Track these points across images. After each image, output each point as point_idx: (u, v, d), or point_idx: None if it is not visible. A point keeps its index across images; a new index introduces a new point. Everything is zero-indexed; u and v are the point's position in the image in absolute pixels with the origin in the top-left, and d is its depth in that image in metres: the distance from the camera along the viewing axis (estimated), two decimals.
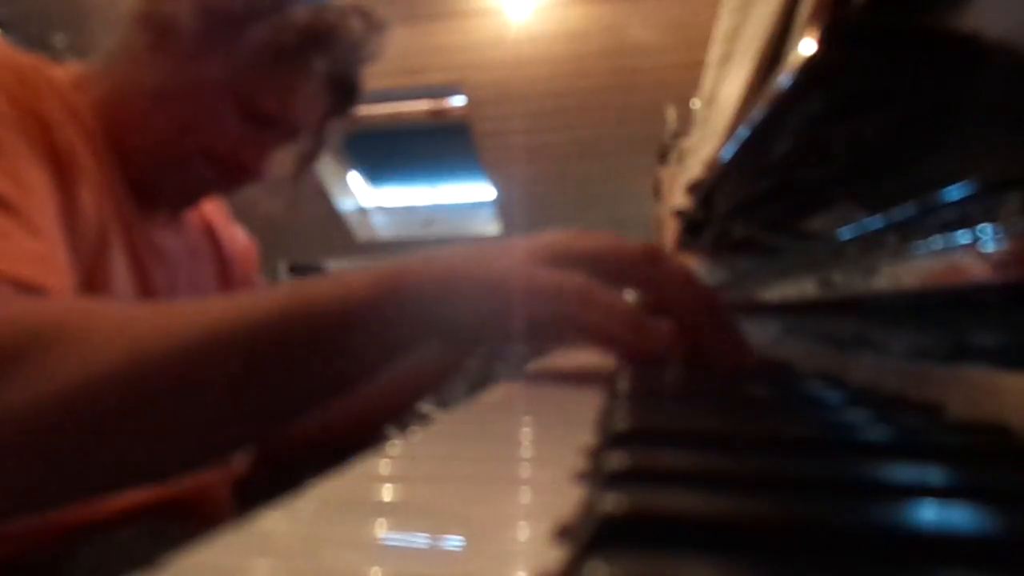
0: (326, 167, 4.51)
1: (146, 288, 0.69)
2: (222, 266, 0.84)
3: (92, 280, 0.62)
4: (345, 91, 0.74)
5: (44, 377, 0.40)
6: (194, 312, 0.43)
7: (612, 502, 0.16)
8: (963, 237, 0.32)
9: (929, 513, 0.17)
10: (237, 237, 0.88)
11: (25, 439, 0.40)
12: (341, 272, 0.46)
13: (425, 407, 0.77)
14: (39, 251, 0.52)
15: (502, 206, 4.68)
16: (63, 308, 0.45)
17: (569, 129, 4.17)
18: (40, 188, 0.56)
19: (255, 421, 0.45)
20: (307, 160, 0.79)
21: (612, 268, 0.44)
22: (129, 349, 0.40)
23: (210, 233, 0.84)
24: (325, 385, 0.45)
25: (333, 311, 0.42)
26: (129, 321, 0.43)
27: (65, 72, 0.68)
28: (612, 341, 0.43)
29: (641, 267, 0.45)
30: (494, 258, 0.45)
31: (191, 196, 0.76)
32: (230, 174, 0.72)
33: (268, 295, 0.44)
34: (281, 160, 0.76)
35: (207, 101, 0.68)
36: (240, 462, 0.77)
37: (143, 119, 0.68)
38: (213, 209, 0.87)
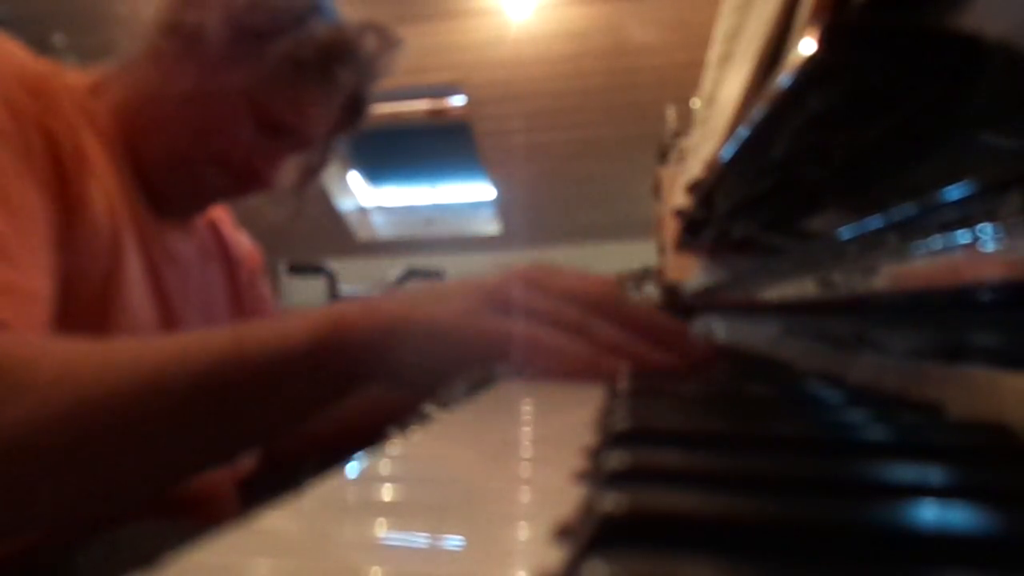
0: (318, 177, 4.51)
1: (159, 290, 0.71)
2: (230, 269, 0.85)
3: (107, 282, 0.63)
4: (355, 106, 0.76)
5: None
6: (136, 355, 0.44)
7: (612, 502, 0.16)
8: (963, 237, 0.32)
9: (929, 513, 0.17)
10: (243, 243, 0.90)
11: None
12: (281, 318, 0.49)
13: (425, 407, 0.77)
14: (10, 282, 0.51)
15: (502, 206, 4.67)
16: (6, 346, 0.45)
17: (569, 129, 4.17)
18: (31, 206, 0.56)
19: (196, 458, 0.47)
20: (313, 171, 0.81)
21: (556, 321, 0.45)
22: (72, 392, 0.42)
23: (218, 237, 0.85)
24: (263, 426, 0.47)
25: (269, 358, 0.44)
26: (73, 363, 0.44)
27: (81, 77, 0.68)
28: (566, 377, 0.44)
29: (584, 325, 0.46)
30: (441, 302, 0.46)
31: (203, 201, 0.78)
32: (241, 181, 0.73)
33: (208, 339, 0.45)
34: (287, 170, 0.77)
35: (225, 109, 0.69)
36: (245, 462, 0.78)
37: (160, 124, 0.70)
38: (220, 214, 0.88)
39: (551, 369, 0.44)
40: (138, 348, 0.47)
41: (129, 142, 0.68)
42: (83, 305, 0.61)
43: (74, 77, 0.67)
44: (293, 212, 0.84)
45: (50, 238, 0.57)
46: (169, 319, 0.72)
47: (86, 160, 0.62)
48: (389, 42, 0.74)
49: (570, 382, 0.44)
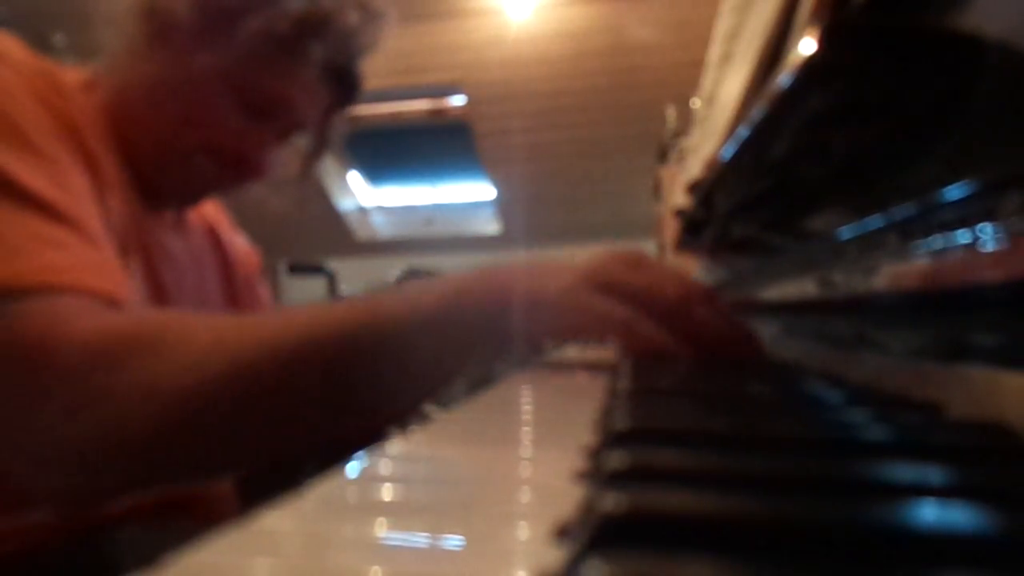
0: (326, 167, 4.51)
1: (157, 289, 0.70)
2: (226, 270, 0.85)
3: None
4: (345, 83, 0.75)
5: (150, 381, 0.46)
6: (281, 324, 0.49)
7: (612, 502, 0.16)
8: (963, 237, 0.32)
9: (929, 513, 0.17)
10: (240, 244, 0.89)
11: (137, 435, 0.46)
12: (409, 286, 0.53)
13: (425, 407, 0.77)
14: (99, 261, 0.54)
15: (502, 205, 4.68)
16: (162, 319, 0.51)
17: (569, 129, 4.17)
18: (87, 196, 0.58)
19: (337, 416, 0.51)
20: (313, 158, 0.80)
21: (651, 307, 0.50)
22: (230, 358, 0.47)
23: (214, 237, 0.85)
24: (396, 387, 0.50)
25: (401, 322, 0.48)
26: (225, 332, 0.49)
27: (74, 75, 0.68)
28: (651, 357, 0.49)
29: (676, 314, 0.51)
30: (548, 278, 0.50)
31: (196, 193, 0.77)
32: (233, 169, 0.72)
33: (344, 308, 0.50)
34: (287, 160, 0.77)
35: (207, 93, 0.68)
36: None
37: (145, 116, 0.69)
38: (216, 214, 0.87)
39: (639, 351, 0.49)
40: (281, 317, 0.51)
41: (120, 138, 0.68)
42: None
43: (68, 75, 0.67)
44: (296, 202, 0.84)
45: (100, 214, 0.59)
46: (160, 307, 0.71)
47: (100, 160, 0.63)
48: (371, 14, 0.72)
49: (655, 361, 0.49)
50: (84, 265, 0.52)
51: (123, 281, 0.55)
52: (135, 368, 0.46)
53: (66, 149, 0.58)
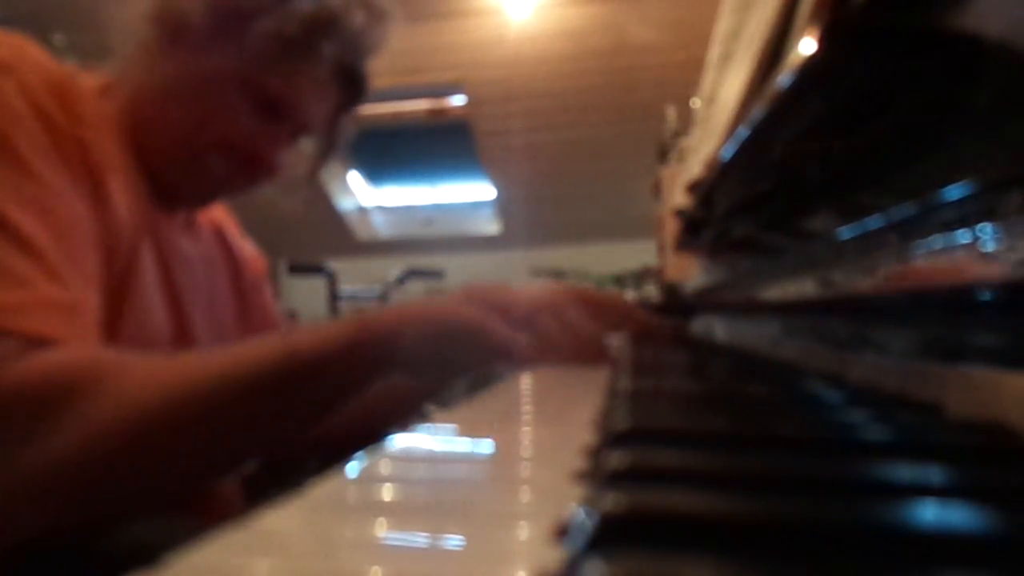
0: (326, 167, 4.50)
1: (171, 289, 0.71)
2: (235, 272, 0.85)
3: (124, 279, 0.64)
4: (352, 84, 0.76)
5: (88, 420, 0.49)
6: (205, 363, 0.54)
7: (612, 502, 0.16)
8: (963, 237, 0.32)
9: (929, 513, 0.17)
10: (247, 249, 0.90)
11: (76, 473, 0.49)
12: (319, 324, 0.59)
13: (425, 407, 0.78)
14: (55, 298, 0.54)
15: (502, 206, 4.67)
16: (94, 359, 0.53)
17: (569, 128, 4.17)
18: (73, 215, 0.58)
19: (261, 440, 0.58)
20: (322, 159, 0.81)
21: (508, 312, 0.60)
22: (161, 394, 0.51)
23: (223, 241, 0.85)
24: (313, 411, 0.58)
25: (313, 356, 0.54)
26: (155, 371, 0.53)
27: (90, 79, 0.69)
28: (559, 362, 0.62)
29: (532, 318, 0.63)
30: (442, 305, 0.59)
31: (210, 193, 0.78)
32: (246, 168, 0.73)
33: (262, 346, 0.55)
34: (297, 160, 0.78)
35: (219, 94, 0.70)
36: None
37: (160, 117, 0.70)
38: (224, 219, 0.88)
39: (494, 351, 0.57)
40: (205, 358, 0.56)
41: (137, 140, 0.69)
42: (101, 300, 0.61)
43: (85, 80, 0.68)
44: (306, 201, 0.85)
45: (91, 244, 0.60)
46: (179, 316, 0.72)
47: (109, 165, 0.64)
48: (377, 15, 0.74)
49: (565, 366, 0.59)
50: (32, 305, 0.52)
51: (78, 318, 0.56)
52: (61, 409, 0.49)
53: (64, 165, 0.59)
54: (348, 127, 0.80)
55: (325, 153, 0.81)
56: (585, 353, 0.64)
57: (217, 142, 0.71)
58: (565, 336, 0.64)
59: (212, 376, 0.52)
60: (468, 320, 0.57)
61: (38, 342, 0.52)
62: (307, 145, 0.79)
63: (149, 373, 0.52)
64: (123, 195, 0.64)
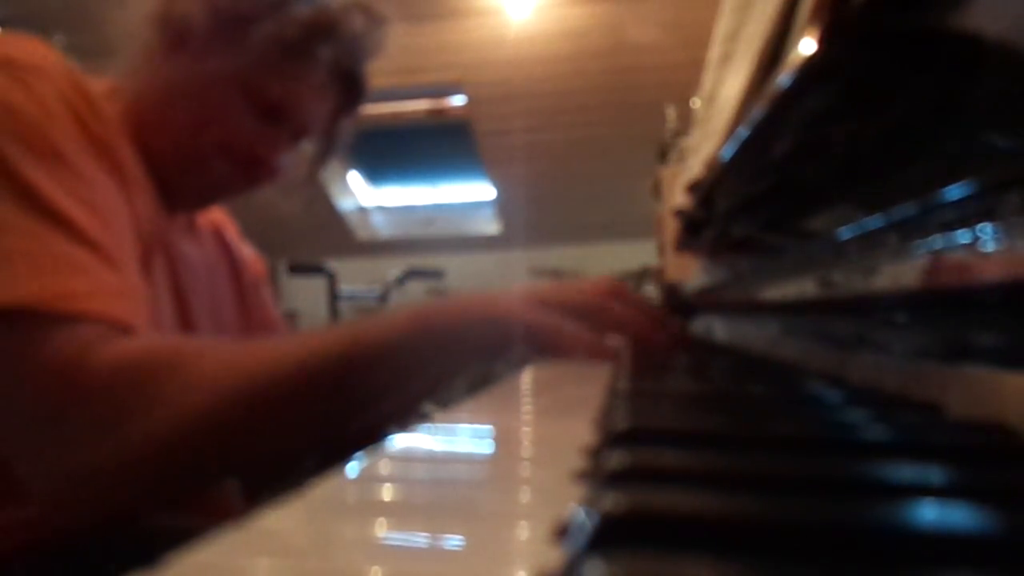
0: (325, 168, 4.50)
1: (176, 288, 0.72)
2: (236, 275, 0.86)
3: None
4: (351, 87, 0.77)
5: (167, 402, 0.52)
6: (277, 348, 0.58)
7: (612, 502, 0.16)
8: (963, 237, 0.32)
9: (929, 513, 0.17)
10: (247, 252, 0.91)
11: (157, 450, 0.52)
12: (385, 312, 0.62)
13: (425, 407, 0.78)
14: (119, 286, 0.57)
15: (502, 206, 4.67)
16: (175, 344, 0.57)
17: (569, 128, 4.17)
18: (118, 210, 0.60)
19: (330, 424, 0.59)
20: (321, 160, 0.82)
21: (584, 314, 0.61)
22: (238, 377, 0.54)
23: (223, 243, 0.86)
24: (375, 395, 0.58)
25: (375, 342, 0.56)
26: (231, 356, 0.56)
27: (97, 84, 0.69)
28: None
29: (596, 313, 0.62)
30: (498, 301, 0.59)
31: (211, 195, 0.79)
32: (247, 171, 0.74)
33: (329, 335, 0.58)
34: (296, 162, 0.78)
35: (220, 98, 0.70)
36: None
37: (163, 120, 0.71)
38: (223, 221, 0.89)
39: (572, 353, 0.57)
40: (278, 344, 0.59)
41: (141, 143, 0.69)
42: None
43: (94, 84, 0.68)
44: (305, 203, 0.86)
45: (132, 232, 0.62)
46: (185, 316, 0.73)
47: (130, 166, 0.65)
48: (375, 20, 0.75)
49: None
50: (103, 291, 0.55)
51: (139, 305, 0.59)
52: (152, 392, 0.52)
53: (98, 162, 0.60)
54: (347, 128, 0.81)
55: (324, 155, 0.82)
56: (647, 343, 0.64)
57: (218, 145, 0.72)
58: (626, 330, 0.64)
59: (284, 360, 0.55)
60: (531, 322, 0.57)
61: (118, 327, 0.54)
62: (307, 147, 0.80)
63: (225, 358, 0.55)
64: (142, 202, 0.66)
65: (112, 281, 0.56)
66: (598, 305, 0.62)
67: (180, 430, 0.52)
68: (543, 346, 0.58)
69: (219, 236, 0.87)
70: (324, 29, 0.70)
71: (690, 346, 0.68)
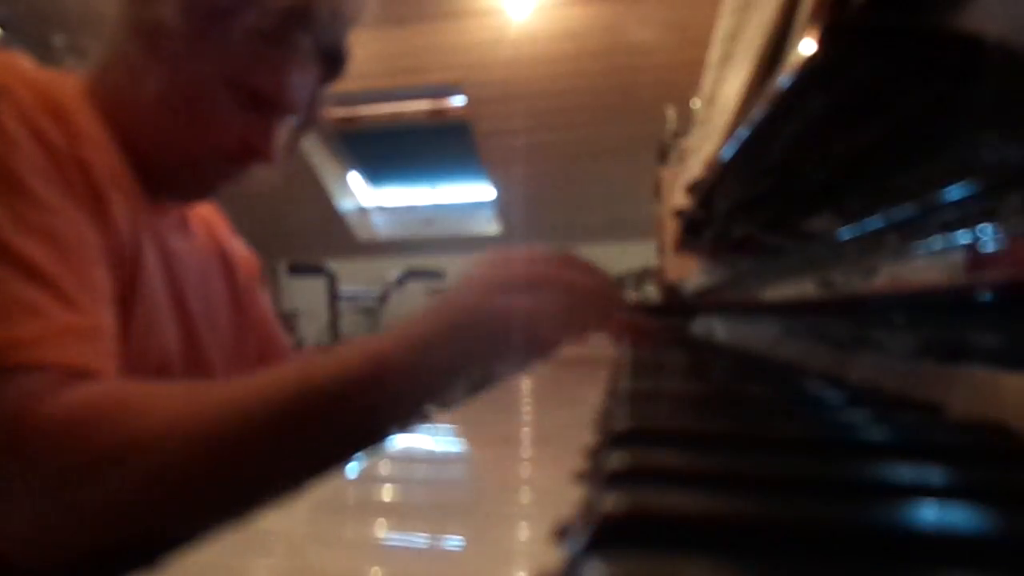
0: (326, 167, 4.51)
1: (174, 290, 0.71)
2: (228, 272, 0.85)
3: (131, 289, 0.64)
4: (333, 59, 0.76)
5: (120, 451, 0.49)
6: (227, 395, 0.53)
7: (612, 502, 0.16)
8: (963, 237, 0.32)
9: (929, 513, 0.17)
10: (239, 248, 0.90)
11: (110, 503, 0.49)
12: (337, 350, 0.55)
13: (425, 407, 0.78)
14: (76, 326, 0.54)
15: (502, 206, 4.67)
16: (122, 395, 0.53)
17: (569, 129, 4.17)
18: (84, 241, 0.58)
19: (285, 474, 0.53)
20: (302, 132, 0.81)
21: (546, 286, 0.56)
22: (194, 426, 0.50)
23: (215, 240, 0.85)
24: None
25: (330, 384, 0.51)
26: (182, 405, 0.52)
27: (74, 83, 0.68)
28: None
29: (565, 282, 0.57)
30: (464, 303, 0.54)
31: (207, 188, 0.78)
32: (243, 161, 0.74)
33: (280, 376, 0.54)
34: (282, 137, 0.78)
35: (206, 97, 0.69)
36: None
37: (150, 124, 0.70)
38: (215, 217, 0.88)
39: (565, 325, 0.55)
40: (225, 390, 0.54)
41: (124, 142, 0.68)
42: (114, 314, 0.62)
43: (71, 83, 0.67)
44: (282, 176, 0.84)
45: (100, 263, 0.60)
46: (183, 314, 0.72)
47: (107, 178, 0.63)
48: None
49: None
50: (54, 335, 0.52)
51: (101, 344, 0.56)
52: (103, 441, 0.49)
53: (64, 187, 0.58)
54: (327, 99, 0.81)
55: (304, 127, 0.81)
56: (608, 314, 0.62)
57: (211, 144, 0.71)
58: (588, 303, 0.59)
59: (234, 406, 0.51)
60: (500, 312, 0.53)
61: (66, 373, 0.52)
62: (289, 119, 0.79)
63: (175, 406, 0.52)
64: (123, 207, 0.64)
65: (67, 322, 0.53)
66: (557, 275, 0.57)
67: (127, 488, 0.49)
68: (530, 339, 0.54)
69: (210, 232, 0.86)
70: (301, 14, 0.69)
71: (672, 335, 0.68)
